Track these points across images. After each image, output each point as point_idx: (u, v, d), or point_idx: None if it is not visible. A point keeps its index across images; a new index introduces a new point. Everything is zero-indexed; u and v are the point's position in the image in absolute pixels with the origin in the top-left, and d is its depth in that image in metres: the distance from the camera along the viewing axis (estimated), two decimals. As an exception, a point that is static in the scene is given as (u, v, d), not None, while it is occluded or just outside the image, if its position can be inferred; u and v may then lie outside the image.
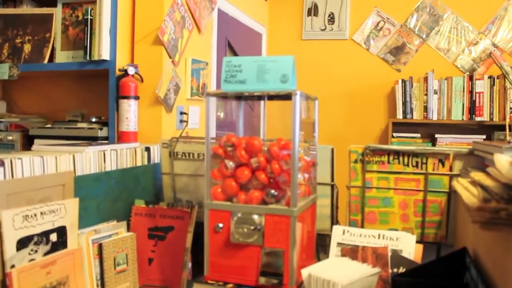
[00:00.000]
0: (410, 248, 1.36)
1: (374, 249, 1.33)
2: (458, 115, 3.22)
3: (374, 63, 3.61)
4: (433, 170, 1.53)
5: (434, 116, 3.25)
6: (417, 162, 1.55)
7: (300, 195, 1.22)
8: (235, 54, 3.16)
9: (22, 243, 1.17)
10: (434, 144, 3.27)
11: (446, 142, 3.23)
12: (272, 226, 1.18)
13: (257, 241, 1.19)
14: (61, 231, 1.31)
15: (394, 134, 3.33)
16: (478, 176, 1.05)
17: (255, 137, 1.26)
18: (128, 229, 1.55)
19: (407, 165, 1.56)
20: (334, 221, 1.58)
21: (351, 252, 1.35)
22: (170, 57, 2.20)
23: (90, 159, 1.50)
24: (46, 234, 1.25)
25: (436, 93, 3.25)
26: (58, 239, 1.29)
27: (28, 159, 1.27)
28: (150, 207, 1.60)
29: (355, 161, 1.59)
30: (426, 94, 3.25)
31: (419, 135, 3.32)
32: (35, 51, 2.29)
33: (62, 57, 2.24)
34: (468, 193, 0.94)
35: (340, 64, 3.67)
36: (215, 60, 2.75)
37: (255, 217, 1.19)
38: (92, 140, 2.11)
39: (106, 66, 2.08)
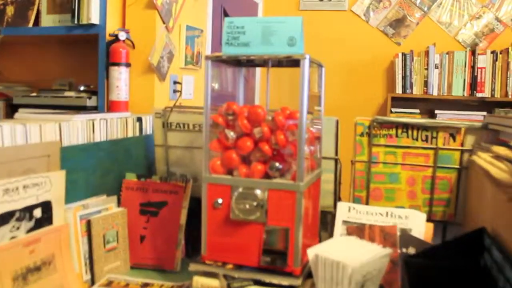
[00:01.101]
0: (420, 227, 1.28)
1: (382, 227, 1.25)
2: (459, 90, 3.14)
3: (373, 35, 3.50)
4: (443, 144, 1.45)
5: (434, 92, 3.16)
6: (426, 136, 1.47)
7: (305, 169, 1.13)
8: (230, 23, 3.03)
9: (3, 219, 1.07)
10: (433, 120, 3.18)
11: (446, 119, 3.15)
12: (276, 202, 1.09)
13: (259, 219, 1.10)
14: (46, 206, 1.21)
15: (393, 109, 3.25)
16: (502, 150, 0.97)
17: (258, 105, 1.15)
18: (119, 204, 1.46)
19: (416, 139, 1.47)
20: (337, 197, 1.50)
21: (358, 230, 1.27)
22: (164, 23, 2.07)
23: (78, 129, 1.39)
24: (29, 209, 1.15)
25: (437, 68, 3.15)
26: (43, 215, 1.19)
27: (9, 127, 1.16)
28: (142, 181, 1.51)
29: (361, 134, 1.50)
30: (427, 69, 3.16)
31: (418, 110, 3.24)
32: (19, 14, 2.15)
33: (48, 21, 2.10)
34: (496, 169, 0.85)
35: (338, 36, 3.55)
36: (210, 28, 2.62)
37: (258, 192, 1.10)
38: (80, 109, 2.00)
39: (96, 30, 1.95)
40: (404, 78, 3.21)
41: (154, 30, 2.03)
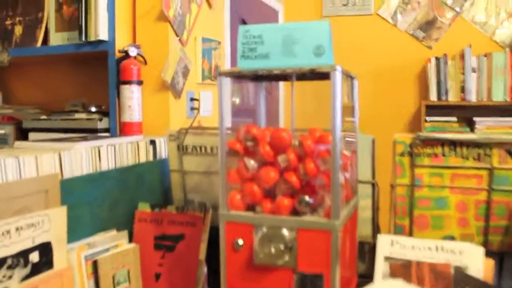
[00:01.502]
0: (478, 263, 1.08)
1: (432, 265, 1.06)
2: (499, 95, 2.90)
3: (402, 40, 3.29)
4: (499, 163, 1.25)
5: (472, 98, 2.93)
6: (478, 154, 1.27)
7: (341, 202, 0.95)
8: (250, 33, 2.87)
9: (-11, 270, 0.92)
10: (472, 129, 2.95)
11: (486, 126, 2.92)
12: (308, 244, 0.91)
13: (288, 264, 0.92)
14: (45, 249, 1.06)
15: (427, 118, 3.02)
16: None
17: (282, 128, 0.98)
18: (130, 239, 1.31)
19: (467, 158, 1.28)
20: (376, 226, 1.31)
21: (403, 269, 1.09)
22: (177, 35, 1.93)
23: (82, 157, 1.25)
24: (24, 254, 1.00)
25: (475, 72, 2.92)
26: (41, 259, 1.04)
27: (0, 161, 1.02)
28: (157, 212, 1.35)
29: (401, 154, 1.31)
30: (463, 73, 2.93)
31: (455, 118, 3.01)
32: (27, 33, 2.04)
33: (57, 39, 1.98)
34: None
35: (365, 42, 3.36)
36: (229, 39, 2.47)
37: (285, 232, 0.92)
38: (91, 132, 1.86)
39: (105, 47, 1.82)
40: (438, 84, 2.99)
41: (167, 44, 1.89)
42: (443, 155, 1.29)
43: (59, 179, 1.14)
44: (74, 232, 1.15)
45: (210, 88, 2.26)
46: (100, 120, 1.86)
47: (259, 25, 0.99)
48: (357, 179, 1.14)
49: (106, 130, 1.88)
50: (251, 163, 0.96)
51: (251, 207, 0.98)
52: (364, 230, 1.30)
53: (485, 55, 2.92)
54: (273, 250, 0.92)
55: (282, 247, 0.91)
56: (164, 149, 1.69)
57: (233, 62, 2.59)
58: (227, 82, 1.00)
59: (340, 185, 0.93)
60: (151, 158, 1.62)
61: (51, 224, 1.07)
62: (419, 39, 3.25)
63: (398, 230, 1.31)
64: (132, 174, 1.42)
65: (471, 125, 2.96)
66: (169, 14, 1.87)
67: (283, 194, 0.95)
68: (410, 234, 1.30)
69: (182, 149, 1.56)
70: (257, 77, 1.09)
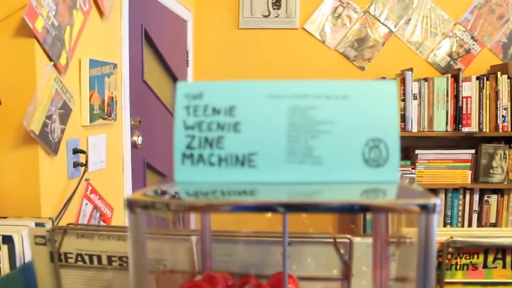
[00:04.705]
0: None
1: None
2: (441, 125, 2.58)
3: (331, 58, 2.87)
4: None
5: (413, 128, 2.58)
6: None
7: None
8: (154, 48, 2.25)
9: None
10: (413, 163, 2.61)
11: (428, 160, 2.59)
12: None
13: None
14: None
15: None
16: None
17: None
18: None
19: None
20: None
21: None
22: (50, 59, 1.26)
23: None
24: None
25: (416, 98, 2.58)
26: None
27: None
28: None
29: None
30: (404, 100, 2.57)
31: (394, 151, 2.64)
32: None
33: None
34: None
35: (288, 60, 2.88)
36: (127, 60, 1.83)
37: None
38: None
39: None
40: (376, 112, 2.60)
41: (34, 72, 1.21)
42: (486, 266, 0.81)
43: None
44: None
45: (103, 130, 1.61)
46: None
47: (231, 83, 0.42)
48: None
49: None
50: None
51: None
52: None
53: (426, 80, 2.59)
54: None
55: None
56: (27, 251, 1.04)
57: (134, 92, 1.95)
58: (143, 218, 0.42)
59: None
60: (7, 269, 0.99)
61: None
62: (350, 59, 2.85)
63: None
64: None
65: (411, 159, 2.62)
66: (36, 26, 1.20)
67: None
68: None
69: (57, 259, 0.94)
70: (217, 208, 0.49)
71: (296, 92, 0.42)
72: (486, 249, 0.85)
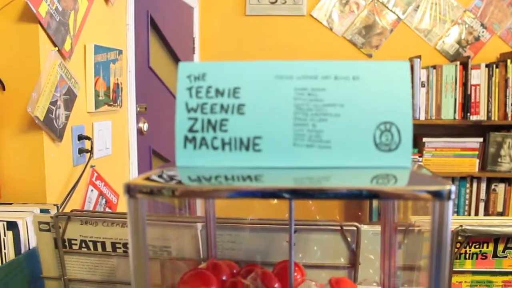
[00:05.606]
0: None
1: None
2: (449, 113, 2.56)
3: (338, 46, 2.84)
4: None
5: (421, 115, 2.55)
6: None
7: None
8: (160, 35, 2.23)
9: None
10: (420, 151, 2.58)
11: (436, 148, 2.56)
12: None
13: None
14: None
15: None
16: None
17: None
18: None
19: None
20: None
21: None
22: (55, 45, 1.25)
23: None
24: None
25: (424, 86, 2.55)
26: None
27: None
28: None
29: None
30: (412, 87, 2.54)
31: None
32: None
33: None
34: None
35: (295, 47, 2.85)
36: (132, 47, 1.81)
37: None
38: None
39: None
40: (384, 100, 2.57)
41: (37, 58, 1.21)
42: (496, 255, 0.80)
43: None
44: None
45: (108, 117, 1.60)
46: None
47: (235, 63, 0.40)
48: None
49: None
50: None
51: None
52: None
53: (435, 67, 2.56)
54: None
55: None
56: (32, 237, 1.04)
57: (140, 78, 1.94)
58: (144, 203, 0.41)
59: None
60: (12, 255, 0.99)
61: None
62: (358, 46, 2.82)
63: None
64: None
65: (419, 147, 2.60)
66: (40, 11, 1.18)
67: None
68: None
69: (62, 245, 0.94)
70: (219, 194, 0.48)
71: (304, 72, 0.41)
72: (496, 238, 0.83)
